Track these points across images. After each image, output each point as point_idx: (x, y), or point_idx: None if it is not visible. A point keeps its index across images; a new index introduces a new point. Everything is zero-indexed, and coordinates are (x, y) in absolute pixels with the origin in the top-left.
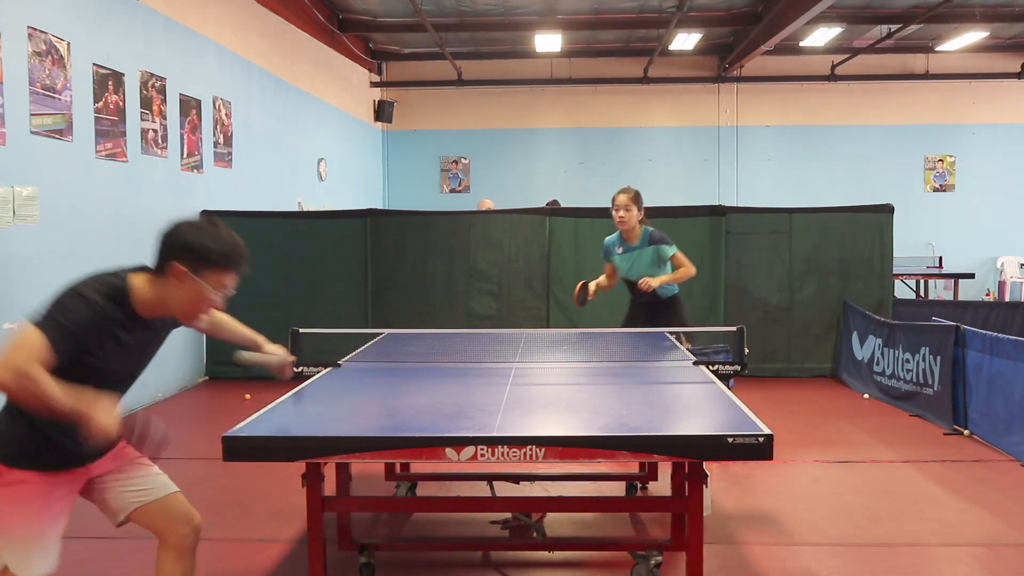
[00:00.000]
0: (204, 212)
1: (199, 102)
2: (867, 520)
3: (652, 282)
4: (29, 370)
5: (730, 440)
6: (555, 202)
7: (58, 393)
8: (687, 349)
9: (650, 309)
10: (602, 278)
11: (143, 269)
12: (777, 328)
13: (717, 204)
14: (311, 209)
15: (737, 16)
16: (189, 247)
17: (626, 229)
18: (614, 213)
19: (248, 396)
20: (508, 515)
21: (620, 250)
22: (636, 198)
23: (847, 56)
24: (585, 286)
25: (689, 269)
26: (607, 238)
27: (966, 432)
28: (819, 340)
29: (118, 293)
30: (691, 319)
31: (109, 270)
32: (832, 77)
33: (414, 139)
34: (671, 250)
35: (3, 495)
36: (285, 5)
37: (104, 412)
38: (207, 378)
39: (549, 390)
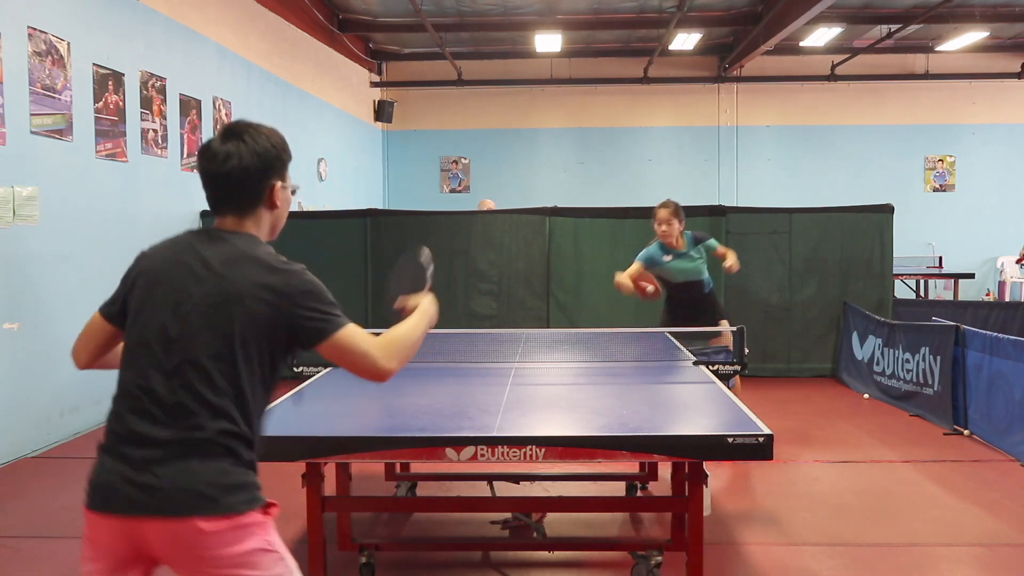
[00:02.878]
0: (204, 212)
1: (199, 102)
2: (867, 520)
3: (735, 264)
4: (390, 359)
5: (730, 440)
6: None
7: (411, 326)
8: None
9: (695, 304)
10: (628, 276)
11: (228, 219)
12: (777, 328)
13: (717, 204)
14: (311, 209)
15: (737, 16)
16: (280, 160)
17: (669, 241)
18: (657, 227)
19: None
20: (508, 515)
21: (669, 258)
22: (677, 211)
23: (847, 56)
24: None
25: (731, 251)
26: (647, 250)
27: (966, 432)
28: (819, 340)
29: None
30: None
31: (241, 238)
32: (832, 77)
33: (414, 139)
34: (715, 243)
35: (270, 532)
36: (285, 5)
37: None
38: None
39: (549, 390)
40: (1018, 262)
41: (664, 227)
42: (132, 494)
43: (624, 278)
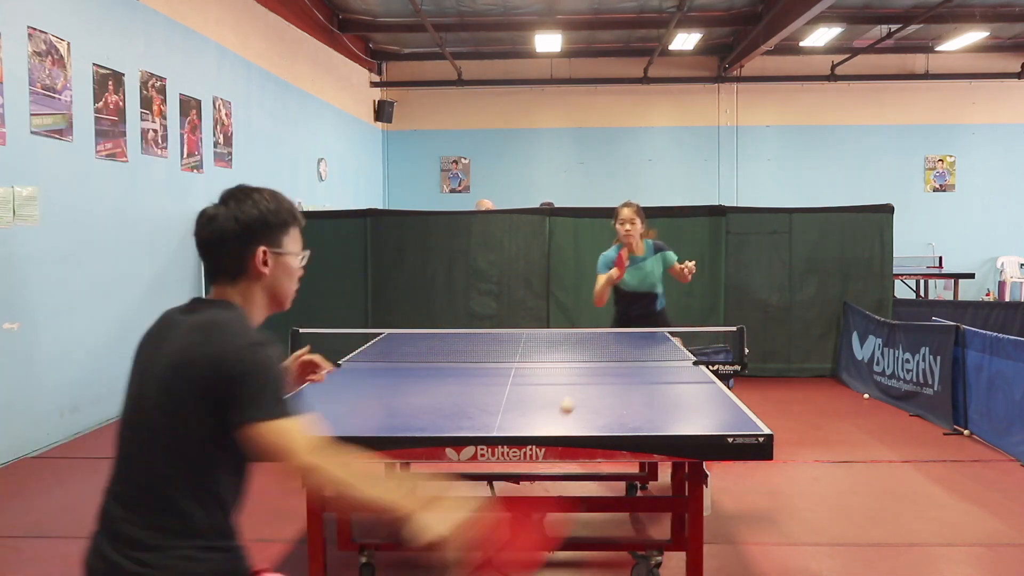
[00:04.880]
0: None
1: (199, 102)
2: (867, 520)
3: (692, 268)
4: (314, 453)
5: (730, 440)
6: (549, 203)
7: (369, 488)
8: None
9: (644, 321)
10: (598, 290)
11: (216, 288)
12: (777, 328)
13: (717, 204)
14: (311, 209)
15: (737, 16)
16: (265, 223)
17: (630, 242)
18: (619, 227)
19: None
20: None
21: (627, 264)
22: (640, 211)
23: (847, 56)
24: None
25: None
26: (606, 255)
27: (966, 432)
28: (819, 340)
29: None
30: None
31: (214, 307)
32: (832, 77)
33: (414, 139)
34: (674, 257)
35: None
36: (285, 5)
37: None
38: None
39: (549, 390)
40: None
41: (628, 226)
42: None
43: (596, 291)
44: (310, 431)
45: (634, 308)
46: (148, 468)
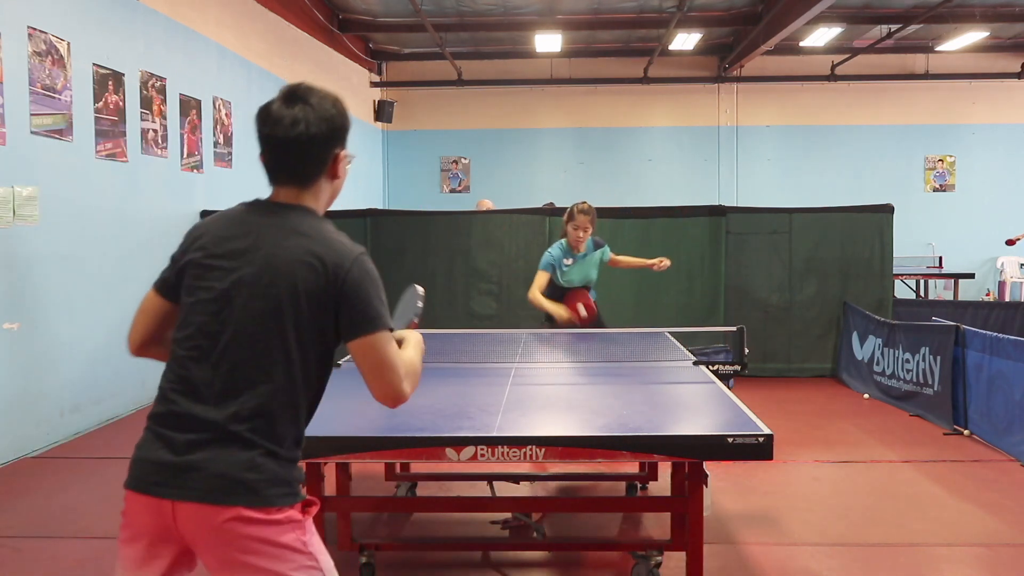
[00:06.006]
0: (204, 212)
1: (199, 102)
2: (867, 520)
3: (666, 261)
4: (409, 377)
5: (730, 440)
6: (551, 204)
7: (417, 357)
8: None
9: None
10: (537, 287)
11: (283, 190)
12: (777, 328)
13: (717, 204)
14: None
15: (737, 16)
16: (344, 127)
17: (577, 245)
18: (573, 231)
19: None
20: (508, 515)
21: (570, 261)
22: (594, 217)
23: (847, 56)
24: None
25: (636, 260)
26: (552, 251)
27: (966, 432)
28: (819, 340)
29: None
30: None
31: (302, 212)
32: (832, 77)
33: (414, 139)
34: (609, 253)
35: (312, 527)
36: (285, 5)
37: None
38: None
39: (549, 390)
40: (1009, 243)
41: (582, 233)
42: (168, 476)
43: (538, 295)
44: (398, 347)
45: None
46: (241, 372)
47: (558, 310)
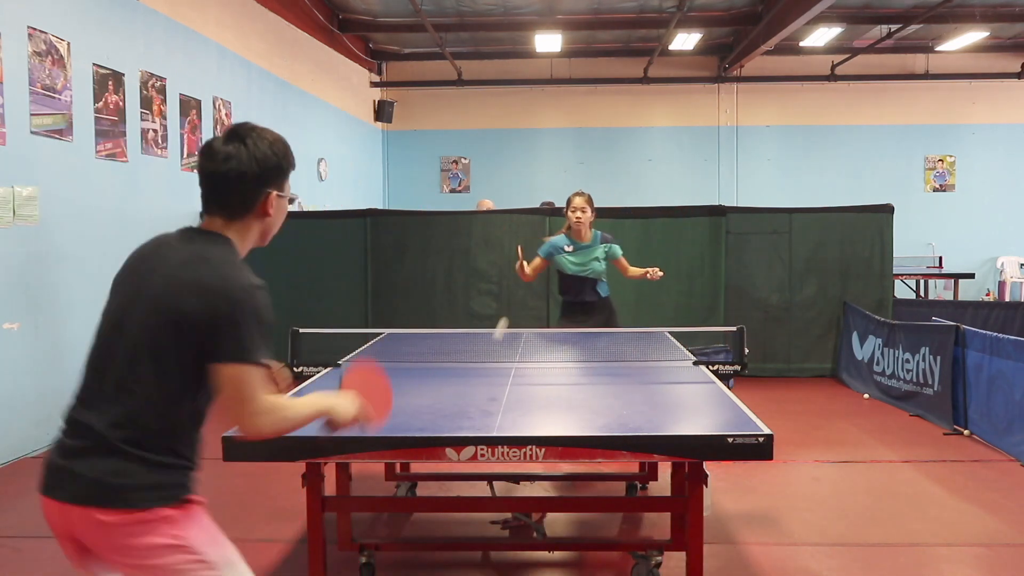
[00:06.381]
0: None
1: (199, 102)
2: (867, 520)
3: (659, 272)
4: (267, 422)
5: (730, 440)
6: (550, 203)
7: (304, 405)
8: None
9: (586, 307)
10: (529, 267)
11: (211, 219)
12: (777, 328)
13: (717, 204)
14: (311, 209)
15: (737, 16)
16: (280, 168)
17: (581, 229)
18: (571, 214)
19: None
20: (508, 515)
21: (570, 248)
22: (591, 200)
23: (847, 56)
24: (522, 264)
25: (636, 270)
26: (552, 238)
27: (966, 432)
28: (819, 340)
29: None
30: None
31: (212, 240)
32: (832, 77)
33: (414, 139)
34: (620, 251)
35: (194, 523)
36: (285, 5)
37: (348, 403)
38: None
39: (549, 390)
40: None
41: (579, 214)
42: (59, 479)
43: (523, 267)
44: (267, 388)
45: (574, 292)
46: (122, 383)
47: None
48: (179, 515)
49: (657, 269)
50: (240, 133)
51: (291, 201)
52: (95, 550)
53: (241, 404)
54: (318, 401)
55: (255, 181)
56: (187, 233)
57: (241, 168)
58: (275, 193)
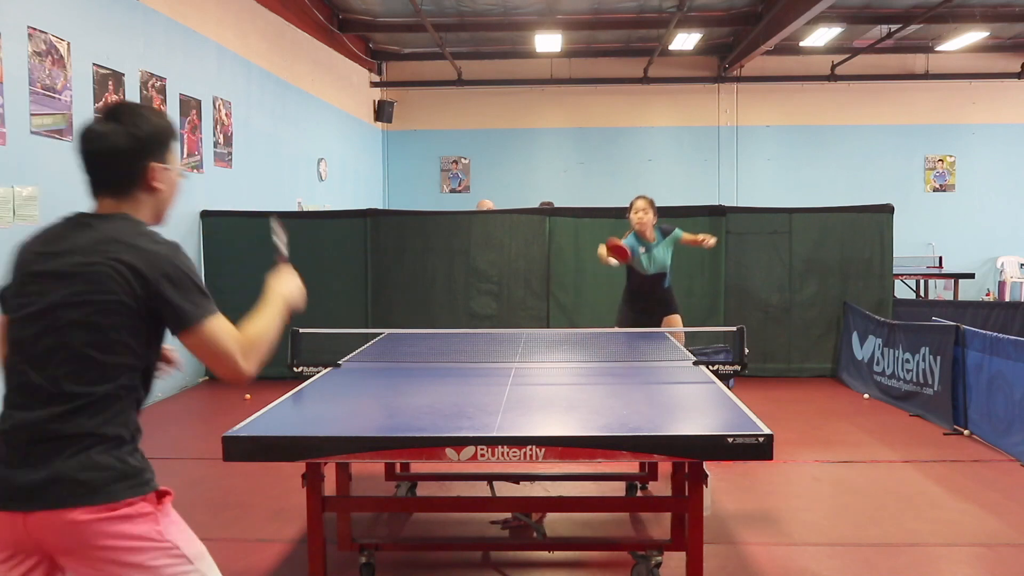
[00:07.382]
0: (204, 213)
1: (199, 102)
2: (867, 520)
3: (711, 240)
4: (248, 353)
5: (730, 440)
6: (549, 203)
7: (268, 320)
8: (685, 348)
9: (655, 297)
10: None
11: (103, 202)
12: (777, 328)
13: (717, 204)
14: (311, 209)
15: (737, 16)
16: (158, 141)
17: (643, 230)
18: (633, 215)
19: (248, 396)
20: (508, 515)
21: (643, 250)
22: (652, 203)
23: (847, 56)
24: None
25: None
26: (626, 241)
27: (966, 432)
28: (819, 340)
29: None
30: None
31: (116, 219)
32: (832, 77)
33: (414, 139)
34: (680, 232)
35: (169, 517)
36: (285, 5)
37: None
38: (207, 378)
39: (549, 390)
40: None
41: (641, 214)
42: (13, 490)
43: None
44: (231, 327)
45: (647, 287)
46: (63, 376)
47: (601, 250)
48: (154, 509)
49: (710, 236)
50: (115, 112)
51: (182, 175)
52: (66, 559)
53: (222, 358)
54: (273, 304)
55: (133, 155)
56: (83, 220)
57: (117, 143)
58: (157, 164)
